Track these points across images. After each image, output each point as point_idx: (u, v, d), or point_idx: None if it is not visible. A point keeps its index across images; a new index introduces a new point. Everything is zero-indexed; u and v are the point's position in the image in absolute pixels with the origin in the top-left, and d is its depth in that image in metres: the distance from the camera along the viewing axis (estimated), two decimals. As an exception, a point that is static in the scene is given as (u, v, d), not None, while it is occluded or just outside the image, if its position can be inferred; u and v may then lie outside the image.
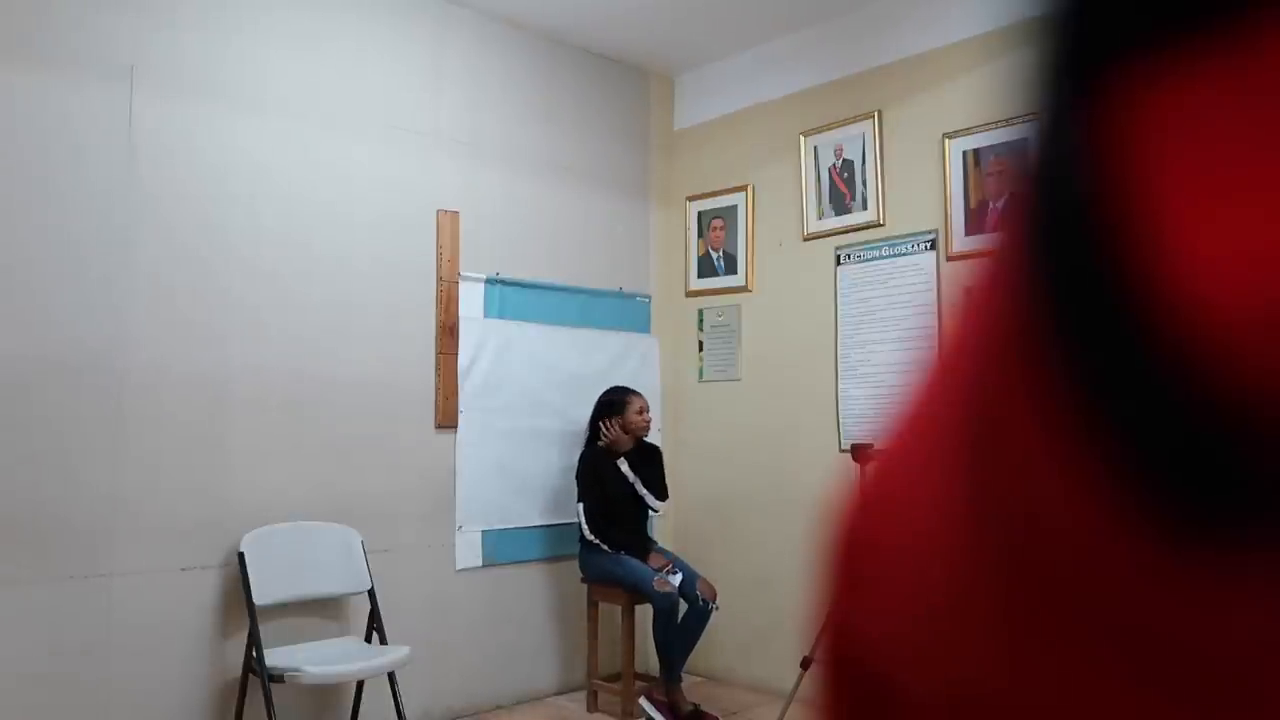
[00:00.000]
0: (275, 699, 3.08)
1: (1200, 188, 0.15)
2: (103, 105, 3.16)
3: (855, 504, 0.24)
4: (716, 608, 3.94)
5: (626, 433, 4.10)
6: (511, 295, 4.24)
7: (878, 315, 4.06)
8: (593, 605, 4.14)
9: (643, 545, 4.04)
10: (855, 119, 4.16)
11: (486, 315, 4.16)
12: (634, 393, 4.19)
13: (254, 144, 3.50)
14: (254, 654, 3.17)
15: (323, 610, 3.57)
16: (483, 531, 4.08)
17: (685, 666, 3.96)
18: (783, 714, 3.48)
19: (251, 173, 3.49)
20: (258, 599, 3.23)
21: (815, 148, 4.33)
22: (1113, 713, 0.17)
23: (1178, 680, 0.17)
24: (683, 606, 3.87)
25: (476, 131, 4.17)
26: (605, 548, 3.96)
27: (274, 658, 3.17)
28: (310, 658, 3.22)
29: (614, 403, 4.15)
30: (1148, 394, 0.16)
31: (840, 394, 4.16)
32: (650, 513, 4.21)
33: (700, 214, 4.83)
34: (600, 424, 4.13)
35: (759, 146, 4.55)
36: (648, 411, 4.17)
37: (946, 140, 3.84)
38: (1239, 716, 0.16)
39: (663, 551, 4.10)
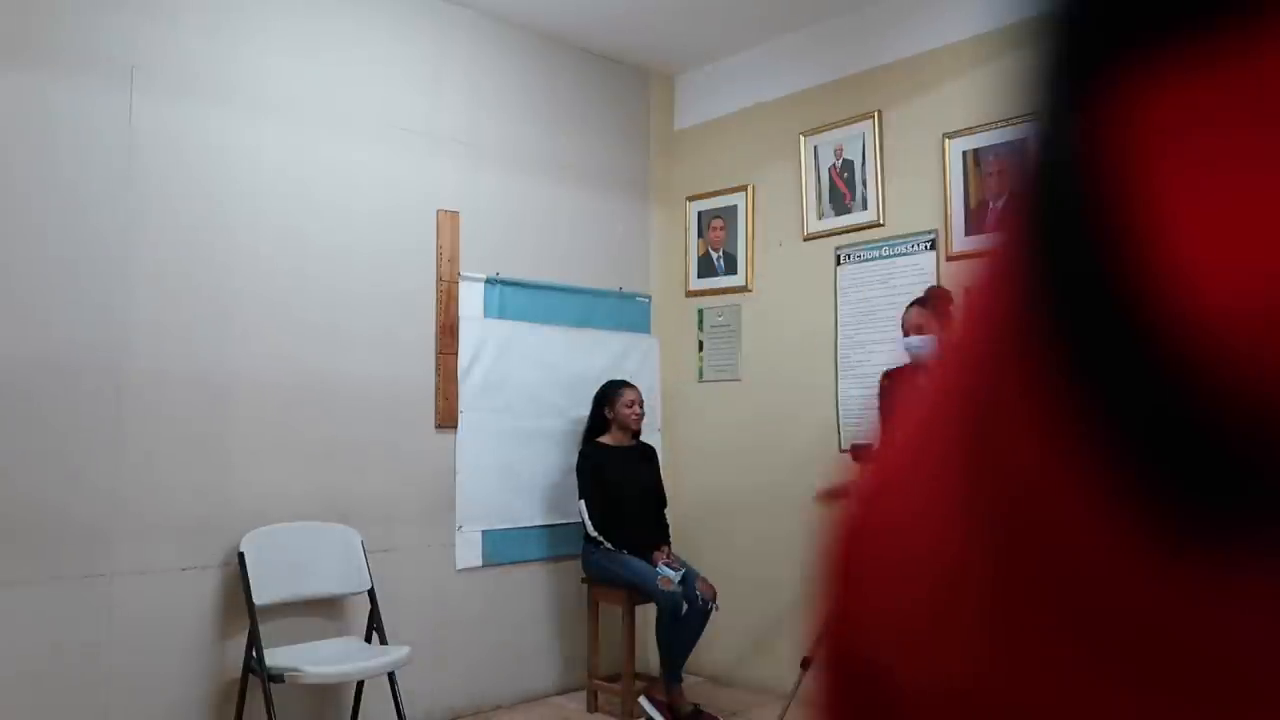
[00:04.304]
0: (275, 699, 3.09)
1: (1200, 188, 0.15)
2: (104, 106, 3.17)
3: (854, 503, 0.24)
4: (716, 607, 3.94)
5: (617, 424, 4.14)
6: (511, 295, 4.24)
7: (878, 315, 4.06)
8: (593, 605, 4.15)
9: (651, 541, 4.04)
10: (855, 119, 4.17)
11: (486, 315, 4.16)
12: (628, 385, 4.21)
13: (254, 144, 3.50)
14: (254, 654, 3.17)
15: (323, 610, 3.57)
16: (483, 531, 4.08)
17: (685, 666, 3.96)
18: (783, 714, 3.48)
19: (251, 173, 3.49)
20: (258, 599, 3.23)
21: (815, 148, 4.33)
22: (1110, 710, 0.17)
23: (1175, 678, 0.17)
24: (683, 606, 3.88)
25: (476, 132, 4.17)
26: (608, 545, 3.96)
27: (274, 658, 3.17)
28: (310, 658, 3.22)
29: (607, 394, 4.18)
30: (1147, 394, 0.16)
31: (840, 394, 4.16)
32: (664, 505, 4.24)
33: (700, 214, 4.83)
34: (603, 414, 4.17)
35: (759, 146, 4.55)
36: (639, 405, 4.18)
37: (946, 140, 3.84)
38: (1236, 715, 0.16)
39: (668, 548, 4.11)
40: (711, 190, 4.77)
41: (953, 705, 0.20)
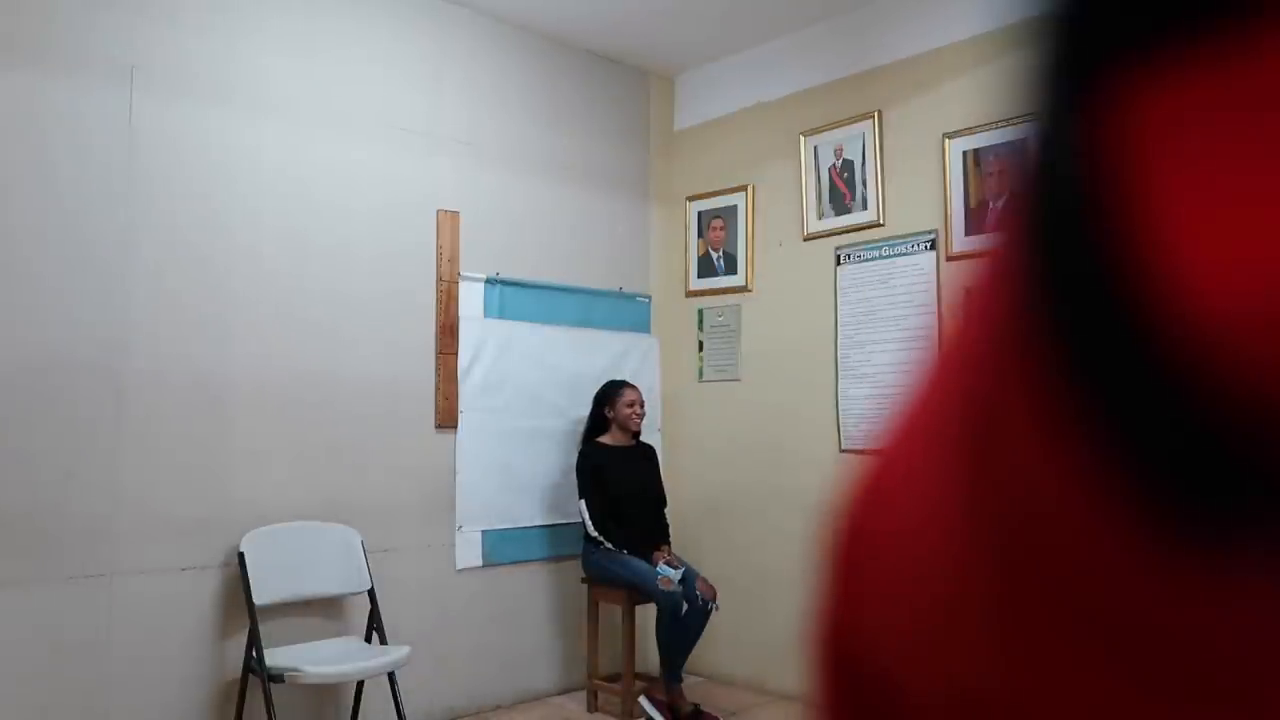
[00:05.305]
0: (275, 699, 3.09)
1: (1200, 188, 0.15)
2: (103, 106, 3.17)
3: (855, 502, 0.24)
4: (716, 607, 3.94)
5: (617, 424, 4.14)
6: (511, 295, 4.24)
7: (878, 315, 4.06)
8: (593, 605, 4.15)
9: (651, 541, 4.05)
10: (855, 119, 4.16)
11: (486, 315, 4.16)
12: (628, 385, 4.22)
13: (254, 144, 3.50)
14: (254, 654, 3.17)
15: (323, 610, 3.57)
16: (483, 531, 4.08)
17: (685, 666, 3.96)
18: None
19: (252, 173, 3.49)
20: (258, 599, 3.23)
21: (815, 148, 4.33)
22: (1111, 711, 0.17)
23: (1175, 679, 0.17)
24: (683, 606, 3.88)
25: (476, 132, 4.17)
26: (609, 545, 3.96)
27: (274, 658, 3.17)
28: (310, 658, 3.22)
29: (607, 394, 4.18)
30: (1147, 393, 0.16)
31: (840, 394, 4.16)
32: (664, 505, 4.25)
33: (700, 214, 4.83)
34: (603, 413, 4.17)
35: (759, 146, 4.55)
36: (640, 405, 4.18)
37: (946, 140, 3.84)
38: (1236, 716, 0.16)
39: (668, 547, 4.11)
40: (711, 190, 4.77)
41: (954, 707, 0.20)
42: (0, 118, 2.97)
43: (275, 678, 3.10)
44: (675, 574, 3.86)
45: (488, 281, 4.17)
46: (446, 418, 3.98)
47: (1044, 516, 0.17)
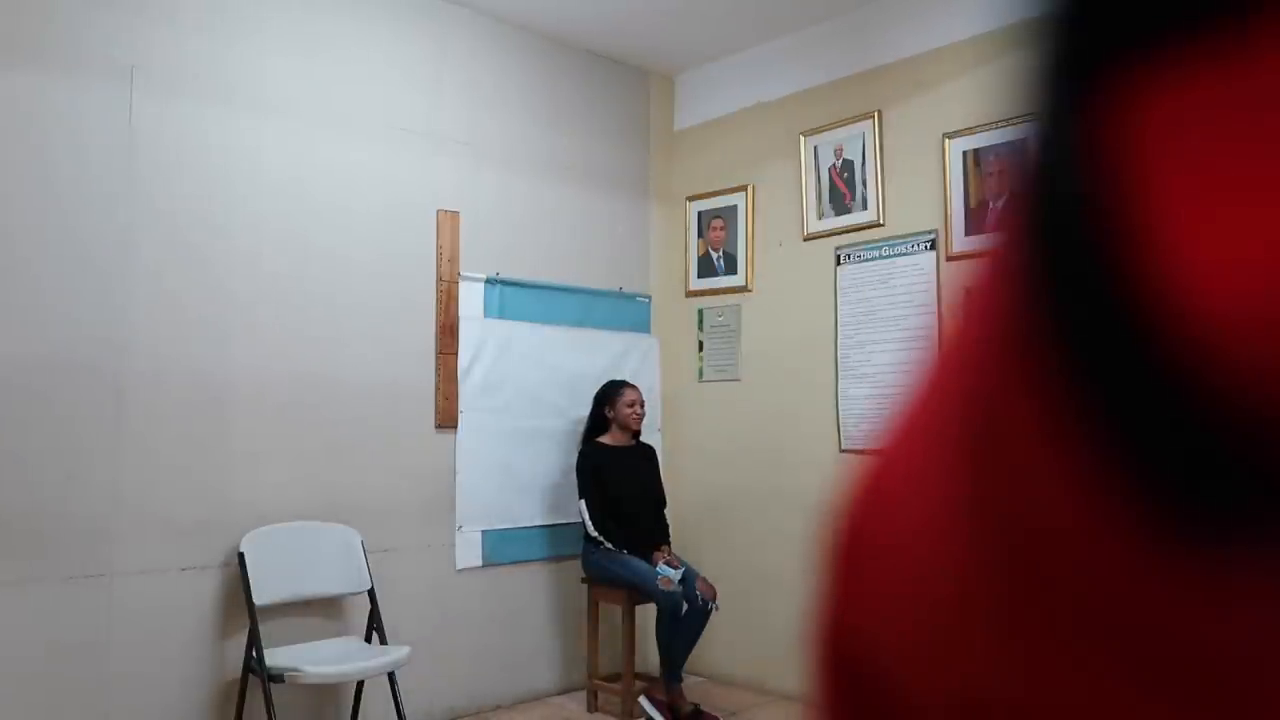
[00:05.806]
0: (275, 699, 3.09)
1: (1200, 188, 0.15)
2: (103, 106, 3.17)
3: (856, 503, 0.24)
4: (716, 607, 3.94)
5: (617, 424, 4.15)
6: (511, 295, 4.24)
7: (878, 315, 4.06)
8: (593, 605, 4.15)
9: (650, 541, 4.05)
10: (855, 119, 4.16)
11: (486, 315, 4.16)
12: (629, 385, 4.22)
13: (254, 144, 3.50)
14: (254, 654, 3.17)
15: (323, 610, 3.57)
16: (483, 531, 4.08)
17: (685, 666, 3.96)
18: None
19: (252, 173, 3.49)
20: (258, 599, 3.23)
21: (815, 148, 4.33)
22: (1112, 712, 0.17)
23: (1178, 681, 0.17)
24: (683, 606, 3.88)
25: (476, 132, 4.17)
26: (609, 545, 3.96)
27: (274, 658, 3.17)
28: (310, 658, 3.22)
29: (607, 394, 4.18)
30: (1147, 394, 0.16)
31: (840, 394, 4.16)
32: (664, 505, 4.25)
33: (700, 214, 4.83)
34: (603, 413, 4.17)
35: (759, 146, 4.55)
36: (640, 405, 4.18)
37: (946, 140, 3.84)
38: (1238, 717, 0.16)
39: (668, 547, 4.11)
40: (711, 190, 4.77)
41: (955, 708, 0.20)
42: (0, 118, 2.97)
43: (275, 678, 3.10)
44: (675, 574, 3.86)
45: (488, 282, 4.17)
46: (446, 418, 3.98)
47: (1045, 517, 0.17)
